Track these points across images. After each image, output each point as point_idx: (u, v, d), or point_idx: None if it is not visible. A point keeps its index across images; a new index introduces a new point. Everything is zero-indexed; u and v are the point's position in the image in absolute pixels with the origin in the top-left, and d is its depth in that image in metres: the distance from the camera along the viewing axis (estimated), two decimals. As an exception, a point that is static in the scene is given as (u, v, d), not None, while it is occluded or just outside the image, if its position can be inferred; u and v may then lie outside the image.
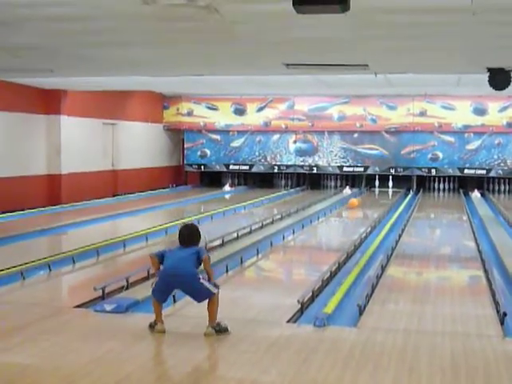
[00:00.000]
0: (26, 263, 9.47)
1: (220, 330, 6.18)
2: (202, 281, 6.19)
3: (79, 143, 19.48)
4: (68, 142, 18.85)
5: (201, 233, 6.53)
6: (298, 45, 9.58)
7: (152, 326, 6.29)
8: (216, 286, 6.29)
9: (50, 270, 9.42)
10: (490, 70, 11.24)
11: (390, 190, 23.85)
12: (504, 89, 11.46)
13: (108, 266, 10.53)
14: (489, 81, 11.40)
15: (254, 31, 8.49)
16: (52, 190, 18.57)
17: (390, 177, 24.21)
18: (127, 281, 8.22)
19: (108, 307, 7.06)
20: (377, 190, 24.34)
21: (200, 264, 6.28)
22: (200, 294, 6.25)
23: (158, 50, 10.38)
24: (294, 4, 5.41)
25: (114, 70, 13.44)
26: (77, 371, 5.24)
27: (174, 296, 7.12)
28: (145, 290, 7.79)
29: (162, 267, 6.33)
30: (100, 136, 20.75)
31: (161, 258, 6.34)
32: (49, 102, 18.47)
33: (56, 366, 5.38)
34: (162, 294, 6.34)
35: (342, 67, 11.84)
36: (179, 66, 12.79)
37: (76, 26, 8.23)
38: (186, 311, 6.36)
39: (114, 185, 21.39)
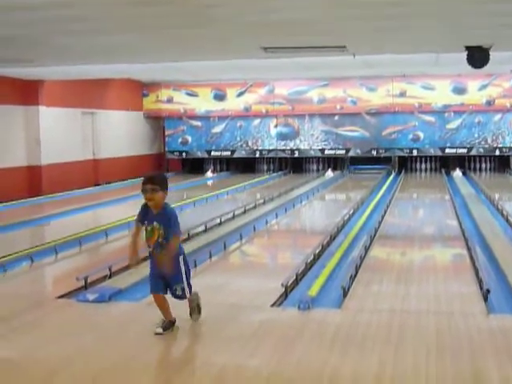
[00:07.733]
0: (8, 255, 9.40)
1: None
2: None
3: (59, 133, 19.33)
4: (47, 132, 18.70)
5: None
6: (276, 28, 9.52)
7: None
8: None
9: (32, 261, 9.35)
10: (467, 48, 11.23)
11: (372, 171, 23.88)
12: (482, 67, 11.45)
13: (90, 256, 10.46)
14: (467, 59, 11.38)
15: (230, 14, 8.42)
16: (32, 181, 18.43)
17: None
18: (110, 270, 8.14)
19: (91, 297, 7.00)
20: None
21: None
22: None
23: (134, 36, 10.27)
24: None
25: (92, 58, 13.32)
26: (59, 362, 5.18)
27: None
28: (127, 279, 7.76)
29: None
30: (80, 125, 20.59)
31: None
32: (26, 92, 18.30)
33: (38, 357, 5.31)
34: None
35: (320, 49, 11.79)
36: (156, 52, 12.69)
37: (50, 13, 8.12)
38: (168, 298, 6.30)
39: (95, 174, 21.26)
